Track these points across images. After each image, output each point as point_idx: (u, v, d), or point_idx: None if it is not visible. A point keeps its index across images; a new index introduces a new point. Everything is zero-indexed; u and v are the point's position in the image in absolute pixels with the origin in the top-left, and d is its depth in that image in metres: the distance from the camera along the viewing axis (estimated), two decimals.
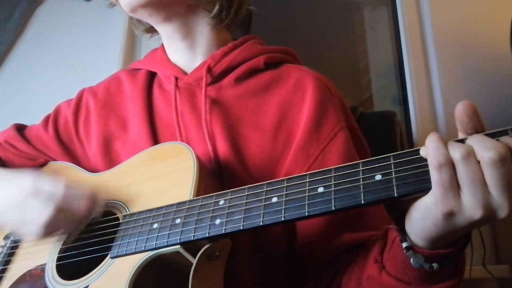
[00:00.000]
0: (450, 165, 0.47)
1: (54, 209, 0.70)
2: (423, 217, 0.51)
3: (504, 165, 0.45)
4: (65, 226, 0.73)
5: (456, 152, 0.47)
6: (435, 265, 0.53)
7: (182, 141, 0.81)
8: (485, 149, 0.45)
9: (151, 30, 0.97)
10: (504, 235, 1.44)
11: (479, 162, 0.46)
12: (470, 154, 0.46)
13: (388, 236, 0.59)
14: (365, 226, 0.74)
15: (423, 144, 0.51)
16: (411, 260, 0.54)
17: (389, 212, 0.79)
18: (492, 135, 0.47)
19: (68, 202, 0.71)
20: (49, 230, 0.71)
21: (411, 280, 0.56)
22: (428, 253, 0.53)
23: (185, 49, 0.91)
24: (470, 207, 0.47)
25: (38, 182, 0.72)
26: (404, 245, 0.55)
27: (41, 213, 0.70)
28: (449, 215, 0.48)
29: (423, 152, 0.50)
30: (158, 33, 0.96)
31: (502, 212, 0.46)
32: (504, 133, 0.47)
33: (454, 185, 0.47)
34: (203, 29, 0.90)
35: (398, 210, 0.58)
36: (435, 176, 0.47)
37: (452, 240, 0.53)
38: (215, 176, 0.78)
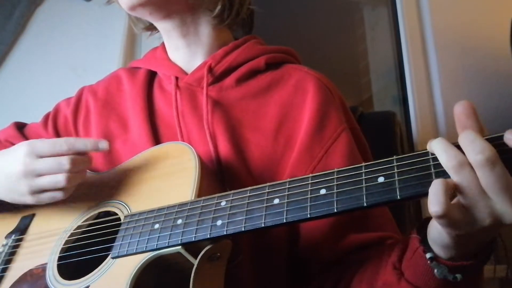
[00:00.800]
0: (449, 213, 0.46)
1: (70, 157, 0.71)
2: (439, 237, 0.52)
3: (494, 167, 0.45)
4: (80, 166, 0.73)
5: (449, 163, 0.47)
6: (458, 276, 0.53)
7: (184, 142, 0.81)
8: (474, 153, 0.45)
9: (150, 28, 0.96)
10: (504, 235, 1.44)
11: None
12: (462, 165, 0.46)
13: (409, 244, 0.59)
14: (371, 227, 0.74)
15: (423, 144, 0.51)
16: (435, 270, 0.54)
17: (392, 213, 0.80)
18: (493, 139, 0.47)
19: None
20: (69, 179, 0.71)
21: None
22: (451, 265, 0.53)
23: (185, 47, 0.90)
24: (476, 220, 0.47)
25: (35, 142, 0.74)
26: (428, 255, 0.54)
27: (58, 163, 0.71)
28: (460, 236, 0.48)
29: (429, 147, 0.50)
30: (158, 31, 0.96)
31: (508, 217, 0.46)
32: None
33: (456, 219, 0.47)
34: (204, 28, 0.89)
35: (401, 211, 0.58)
36: (437, 221, 0.48)
37: (476, 249, 0.53)
38: (217, 177, 0.78)
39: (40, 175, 0.71)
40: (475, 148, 0.45)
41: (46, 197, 0.73)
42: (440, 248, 0.54)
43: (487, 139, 0.46)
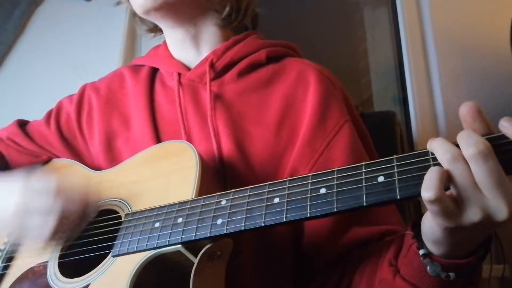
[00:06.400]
0: (442, 198, 0.46)
1: (57, 219, 0.68)
2: (431, 231, 0.52)
3: (486, 161, 0.45)
4: (65, 232, 0.71)
5: (443, 156, 0.47)
6: (451, 274, 0.53)
7: (187, 139, 0.81)
8: (466, 146, 0.46)
9: (154, 30, 0.97)
10: (504, 235, 1.44)
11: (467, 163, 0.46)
12: (456, 158, 0.46)
13: (405, 241, 0.59)
14: (374, 220, 0.74)
15: (423, 144, 0.51)
16: (428, 268, 0.54)
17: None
18: (495, 139, 0.47)
19: (65, 208, 0.69)
20: (52, 238, 0.70)
21: (426, 286, 0.56)
22: (445, 262, 0.53)
23: (191, 48, 0.91)
24: (467, 214, 0.47)
25: (29, 185, 0.71)
26: (421, 252, 0.55)
27: (44, 224, 0.69)
28: (451, 229, 0.48)
29: (429, 146, 0.50)
30: (161, 33, 0.96)
31: (501, 214, 0.46)
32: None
33: (446, 208, 0.47)
34: (210, 28, 0.90)
35: (401, 211, 0.58)
36: (428, 208, 0.48)
37: (471, 248, 0.53)
38: (218, 174, 0.78)
39: (32, 214, 0.70)
40: (468, 142, 0.46)
41: (31, 236, 0.72)
42: (432, 243, 0.54)
43: (485, 138, 0.46)
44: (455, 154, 0.47)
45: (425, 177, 0.47)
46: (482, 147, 0.45)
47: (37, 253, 0.77)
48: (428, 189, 0.46)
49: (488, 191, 0.45)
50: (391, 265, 0.61)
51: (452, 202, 0.47)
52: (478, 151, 0.45)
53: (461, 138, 0.47)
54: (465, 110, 0.49)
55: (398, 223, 0.77)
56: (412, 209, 1.30)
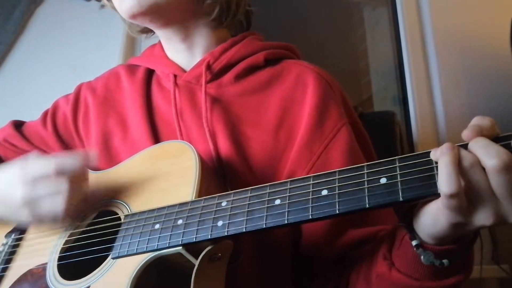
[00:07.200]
0: (462, 193, 0.46)
1: (66, 197, 0.68)
2: (433, 224, 0.52)
3: (508, 172, 0.45)
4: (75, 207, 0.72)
5: (463, 161, 0.47)
6: (445, 261, 0.54)
7: (183, 140, 0.81)
8: (488, 157, 0.45)
9: (146, 30, 0.96)
10: (503, 235, 1.44)
11: (484, 169, 0.46)
12: (474, 164, 0.46)
13: (397, 233, 0.60)
14: (370, 221, 0.74)
15: (423, 144, 0.51)
16: (422, 257, 0.55)
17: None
18: (499, 140, 0.47)
19: (70, 185, 0.69)
20: (67, 216, 0.70)
21: (422, 276, 0.57)
22: (437, 250, 0.54)
23: (184, 50, 0.90)
24: (479, 216, 0.48)
25: (28, 173, 0.70)
26: (414, 243, 0.55)
27: (56, 206, 0.68)
28: (459, 224, 0.49)
29: (433, 156, 0.50)
30: (154, 33, 0.96)
31: None
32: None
33: (463, 203, 0.47)
34: (202, 29, 0.90)
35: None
36: (446, 203, 0.48)
37: (464, 235, 0.54)
38: (217, 175, 0.78)
39: (39, 200, 0.69)
40: (489, 152, 0.46)
41: (47, 220, 0.72)
42: (427, 236, 0.54)
43: (501, 145, 0.46)
44: (474, 160, 0.47)
45: (443, 171, 0.47)
46: (506, 157, 0.45)
47: (36, 253, 0.77)
48: (449, 184, 0.46)
49: (505, 199, 0.46)
50: (386, 258, 0.62)
51: (466, 200, 0.47)
52: (503, 162, 0.45)
53: (480, 147, 0.47)
54: (467, 135, 0.48)
55: (395, 224, 0.77)
56: None
